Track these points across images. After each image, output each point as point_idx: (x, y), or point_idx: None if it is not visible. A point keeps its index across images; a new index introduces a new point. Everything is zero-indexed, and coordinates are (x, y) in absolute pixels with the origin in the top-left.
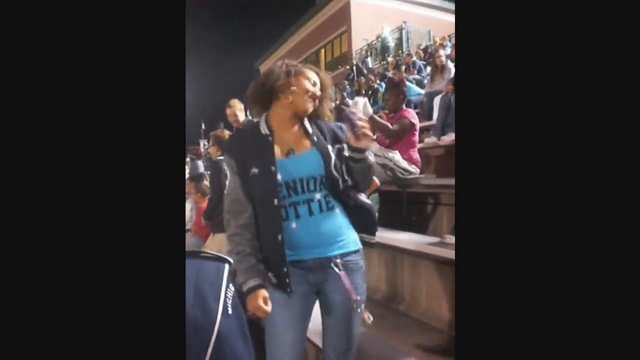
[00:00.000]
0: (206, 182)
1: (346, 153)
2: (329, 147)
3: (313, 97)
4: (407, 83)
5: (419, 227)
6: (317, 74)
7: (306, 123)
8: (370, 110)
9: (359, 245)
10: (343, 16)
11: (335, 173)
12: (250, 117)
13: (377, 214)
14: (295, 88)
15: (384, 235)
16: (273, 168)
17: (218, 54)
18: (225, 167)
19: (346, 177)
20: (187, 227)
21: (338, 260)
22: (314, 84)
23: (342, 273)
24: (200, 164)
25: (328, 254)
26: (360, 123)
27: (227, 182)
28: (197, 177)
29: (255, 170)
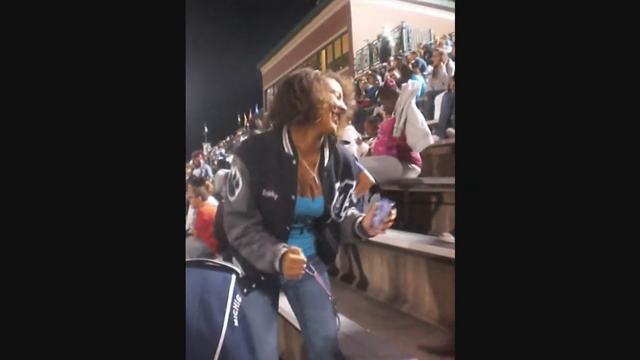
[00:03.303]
0: (205, 187)
1: (352, 190)
2: (336, 187)
3: (339, 113)
4: (416, 77)
5: (422, 227)
6: (338, 81)
7: (325, 153)
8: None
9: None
10: (343, 17)
11: (331, 213)
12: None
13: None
14: (324, 103)
15: (387, 236)
16: (293, 197)
17: (220, 58)
18: (237, 173)
19: (340, 214)
20: (189, 231)
21: (310, 263)
22: (339, 97)
23: (315, 274)
24: (209, 168)
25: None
26: (388, 220)
27: (237, 190)
28: (197, 181)
29: (273, 195)
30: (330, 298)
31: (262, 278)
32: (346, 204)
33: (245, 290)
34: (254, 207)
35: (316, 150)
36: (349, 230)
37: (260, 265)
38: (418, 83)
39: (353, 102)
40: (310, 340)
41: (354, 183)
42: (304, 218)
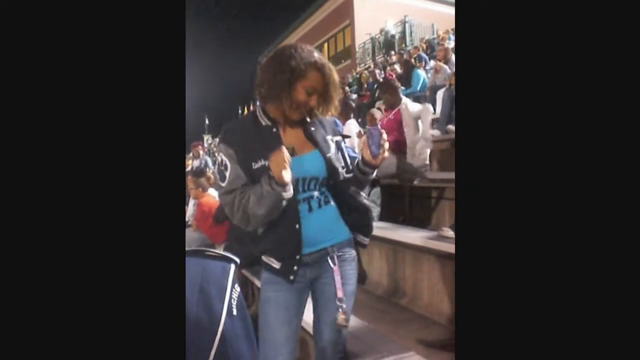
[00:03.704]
0: (206, 178)
1: (344, 145)
2: (330, 141)
3: (306, 107)
4: (418, 72)
5: (421, 221)
6: (324, 73)
7: (305, 115)
8: None
9: (350, 235)
10: (346, 10)
11: (336, 164)
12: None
13: (379, 209)
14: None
15: (386, 230)
16: None
17: (222, 49)
18: (224, 158)
19: (349, 170)
20: (188, 222)
21: (334, 254)
22: (311, 92)
23: (335, 268)
24: (209, 159)
25: (324, 245)
26: (385, 144)
27: (227, 174)
28: (197, 172)
29: (263, 162)
30: (338, 299)
31: (298, 257)
32: (348, 158)
33: (291, 277)
34: (249, 182)
35: (294, 120)
36: (357, 174)
37: (265, 207)
38: (417, 106)
39: (338, 93)
40: (320, 329)
41: (340, 138)
42: (304, 182)
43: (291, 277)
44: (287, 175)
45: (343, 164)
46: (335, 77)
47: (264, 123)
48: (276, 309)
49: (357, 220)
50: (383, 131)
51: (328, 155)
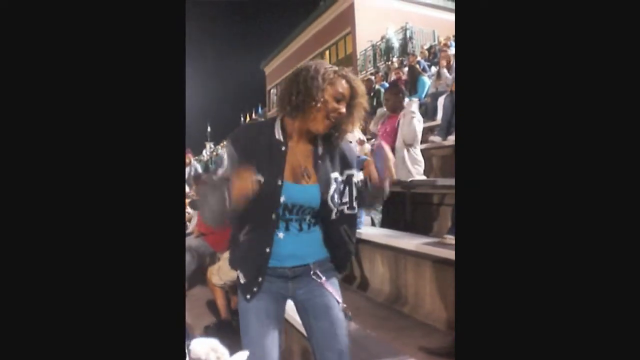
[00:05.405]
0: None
1: (356, 179)
2: (332, 176)
3: (335, 116)
4: (423, 79)
5: (423, 228)
6: (349, 82)
7: (319, 142)
8: None
9: (328, 254)
10: (347, 17)
11: (330, 205)
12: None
13: (380, 216)
14: (318, 103)
15: (388, 236)
16: (280, 182)
17: (224, 58)
18: (226, 156)
19: (341, 208)
20: (189, 229)
21: (316, 269)
22: (340, 99)
23: (323, 280)
24: (198, 165)
25: (306, 261)
26: (389, 169)
27: (219, 170)
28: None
29: (259, 178)
30: (340, 304)
31: (260, 280)
32: (355, 193)
33: (248, 297)
34: None
35: (309, 141)
36: (366, 199)
37: (215, 201)
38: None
39: (364, 103)
40: (323, 355)
41: (355, 172)
42: (300, 208)
43: (248, 297)
44: (242, 199)
45: (347, 200)
46: (361, 85)
47: (277, 136)
48: (256, 317)
49: (335, 255)
50: (387, 148)
51: (325, 195)
